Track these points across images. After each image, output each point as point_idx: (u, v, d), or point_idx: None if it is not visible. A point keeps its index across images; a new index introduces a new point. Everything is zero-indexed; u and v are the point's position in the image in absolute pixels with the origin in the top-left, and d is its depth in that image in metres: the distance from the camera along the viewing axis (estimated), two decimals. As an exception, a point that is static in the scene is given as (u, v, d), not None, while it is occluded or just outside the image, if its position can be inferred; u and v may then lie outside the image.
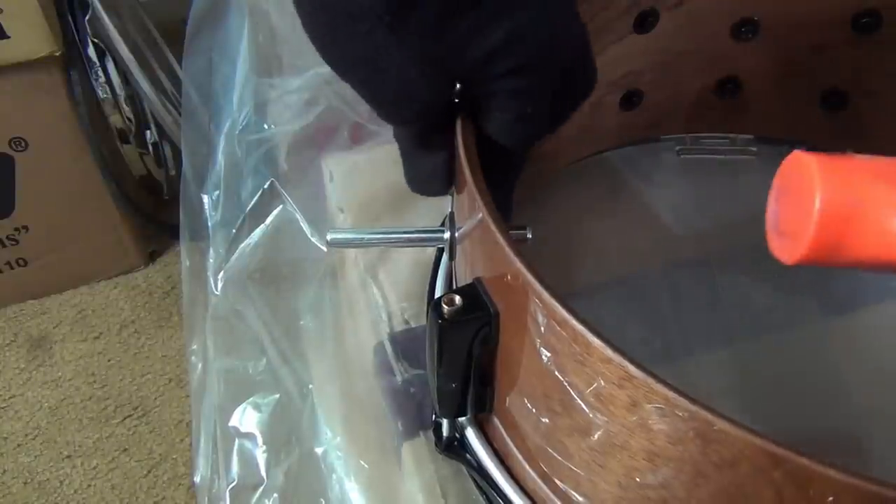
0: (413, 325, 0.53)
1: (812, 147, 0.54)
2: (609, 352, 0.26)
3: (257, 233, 0.68)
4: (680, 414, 0.24)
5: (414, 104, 0.35)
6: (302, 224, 0.65)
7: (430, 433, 0.45)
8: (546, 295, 0.28)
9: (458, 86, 0.37)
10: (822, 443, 0.43)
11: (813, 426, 0.44)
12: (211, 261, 0.69)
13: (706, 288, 0.51)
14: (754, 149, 0.60)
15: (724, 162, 0.59)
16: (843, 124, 0.57)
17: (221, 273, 0.68)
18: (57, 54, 1.04)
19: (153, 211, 1.31)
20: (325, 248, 0.63)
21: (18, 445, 1.11)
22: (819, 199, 0.30)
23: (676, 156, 0.60)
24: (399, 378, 0.51)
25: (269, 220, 0.68)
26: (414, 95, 0.35)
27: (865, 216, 0.30)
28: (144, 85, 1.14)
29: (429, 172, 0.40)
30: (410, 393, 0.50)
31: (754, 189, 0.58)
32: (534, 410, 0.33)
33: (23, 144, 1.12)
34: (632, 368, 0.25)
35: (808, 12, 0.53)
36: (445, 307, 0.33)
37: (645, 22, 0.52)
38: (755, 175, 0.59)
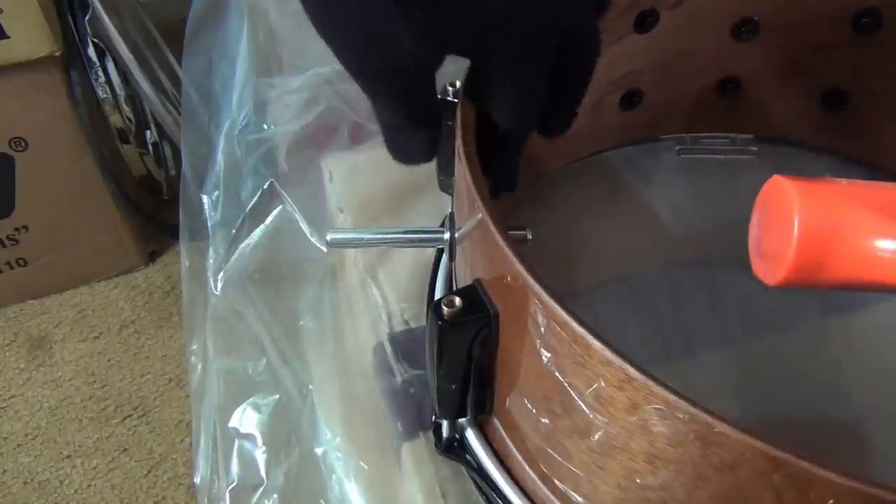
0: (413, 325, 0.53)
1: (812, 147, 0.55)
2: (609, 354, 0.25)
3: (257, 233, 0.68)
4: (680, 416, 0.24)
5: (403, 75, 0.35)
6: (301, 224, 0.65)
7: (430, 434, 0.45)
8: (546, 297, 0.28)
9: (453, 87, 0.38)
10: (822, 443, 0.43)
11: (813, 426, 0.44)
12: (210, 261, 0.69)
13: (706, 288, 0.51)
14: (754, 148, 0.60)
15: (724, 162, 0.59)
16: (843, 124, 0.57)
17: (221, 273, 0.68)
18: (57, 54, 1.04)
19: (153, 211, 1.31)
20: (324, 249, 0.63)
21: (18, 445, 1.11)
22: (798, 223, 0.31)
23: (676, 156, 0.60)
24: (399, 378, 0.51)
25: (268, 220, 0.67)
26: (404, 67, 0.35)
27: (844, 239, 0.31)
28: (144, 85, 1.14)
29: (413, 145, 0.40)
30: (410, 393, 0.50)
31: (754, 189, 0.58)
32: (534, 412, 0.33)
33: (23, 144, 1.12)
34: (632, 371, 0.25)
35: (809, 12, 0.53)
36: (445, 308, 0.33)
37: (645, 22, 0.52)
38: (755, 175, 0.58)
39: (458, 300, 0.33)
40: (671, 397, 0.24)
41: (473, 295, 0.34)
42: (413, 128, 0.39)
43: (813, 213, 0.32)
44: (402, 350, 0.52)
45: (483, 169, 0.36)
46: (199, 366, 0.68)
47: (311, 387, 0.61)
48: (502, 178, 0.42)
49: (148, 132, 1.24)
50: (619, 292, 0.51)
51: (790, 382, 0.46)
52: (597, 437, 0.29)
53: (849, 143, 0.58)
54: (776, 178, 0.33)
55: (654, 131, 0.60)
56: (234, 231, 0.68)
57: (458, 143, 0.36)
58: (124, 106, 1.19)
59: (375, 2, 0.32)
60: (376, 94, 0.37)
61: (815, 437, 0.43)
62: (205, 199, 0.72)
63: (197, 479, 0.64)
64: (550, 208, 0.56)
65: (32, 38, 1.01)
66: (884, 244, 0.31)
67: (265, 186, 0.68)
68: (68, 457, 1.10)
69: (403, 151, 0.41)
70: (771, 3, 0.53)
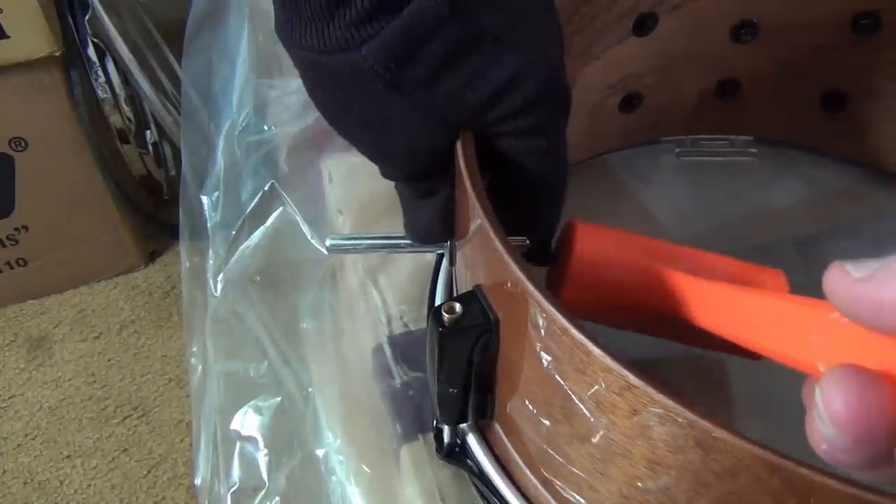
0: (412, 328, 0.53)
1: (812, 148, 0.56)
2: (609, 361, 0.26)
3: (257, 234, 0.68)
4: (680, 422, 0.24)
5: (421, 155, 0.36)
6: (302, 226, 0.65)
7: (430, 436, 0.45)
8: (546, 303, 0.28)
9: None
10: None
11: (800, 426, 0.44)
12: (210, 262, 0.69)
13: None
14: (754, 150, 0.60)
15: (723, 164, 0.59)
16: (842, 125, 0.57)
17: (221, 275, 0.68)
18: (57, 54, 1.04)
19: (153, 211, 1.31)
20: (325, 251, 0.63)
21: (18, 445, 1.11)
22: (574, 255, 0.38)
23: (676, 158, 0.60)
24: (398, 381, 0.51)
25: (269, 221, 0.67)
26: (419, 148, 0.35)
27: (614, 270, 0.38)
28: (144, 85, 1.14)
29: (429, 218, 0.40)
30: (409, 396, 0.50)
31: (754, 190, 0.58)
32: (535, 417, 0.33)
33: (23, 144, 1.12)
34: (632, 378, 0.25)
35: (808, 14, 0.53)
36: (445, 315, 0.33)
37: (644, 24, 0.52)
38: (755, 176, 0.59)
39: (458, 306, 0.33)
40: (671, 403, 0.24)
41: (474, 301, 0.34)
42: (430, 199, 0.39)
43: (587, 248, 0.38)
44: (401, 353, 0.52)
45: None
46: (199, 367, 0.68)
47: (310, 389, 0.61)
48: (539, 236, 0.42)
49: (148, 132, 1.24)
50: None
51: (790, 382, 0.46)
52: (598, 442, 0.29)
53: (848, 144, 0.58)
54: (568, 221, 0.40)
55: (654, 133, 0.60)
56: (234, 232, 0.68)
57: (458, 147, 0.36)
58: (124, 106, 1.19)
59: (376, 90, 0.32)
60: (398, 175, 0.38)
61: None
62: (204, 199, 0.72)
63: (198, 481, 0.64)
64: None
65: (32, 38, 1.01)
66: (648, 283, 0.37)
67: (266, 188, 0.68)
68: (68, 457, 1.10)
69: (421, 227, 0.41)
70: (770, 5, 0.53)
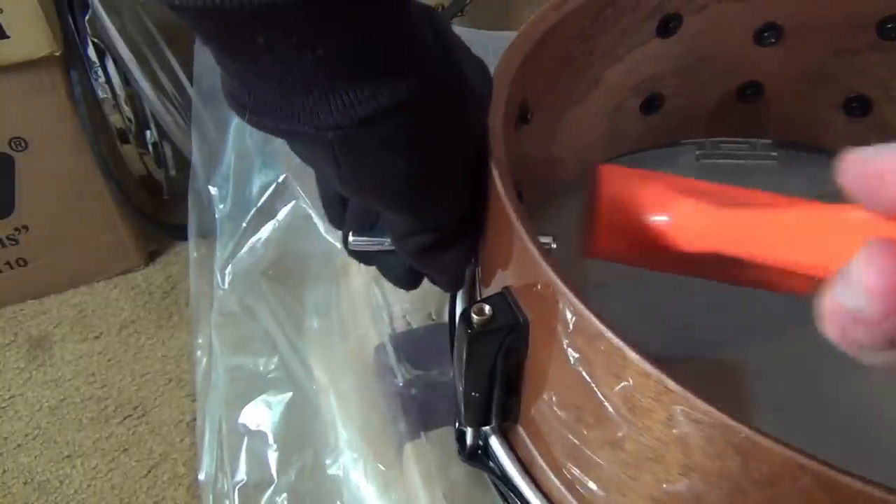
0: (414, 326, 0.53)
1: (834, 153, 0.56)
2: (647, 365, 0.26)
3: (268, 227, 0.67)
4: (719, 428, 0.24)
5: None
6: (315, 220, 0.65)
7: (433, 435, 0.46)
8: (581, 307, 0.28)
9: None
10: (833, 445, 0.43)
11: (815, 428, 0.44)
12: (218, 255, 0.68)
13: (715, 288, 0.51)
14: (775, 154, 0.60)
15: (743, 167, 0.59)
16: (866, 130, 0.57)
17: (229, 268, 0.67)
18: (57, 54, 1.03)
19: (153, 211, 1.30)
20: (339, 245, 0.63)
21: (18, 445, 1.11)
22: (602, 196, 0.38)
23: (696, 160, 0.60)
24: (400, 380, 0.51)
25: (281, 215, 0.67)
26: None
27: (643, 210, 0.37)
28: (144, 85, 1.14)
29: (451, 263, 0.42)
30: (412, 394, 0.50)
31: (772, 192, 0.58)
32: (562, 421, 0.33)
33: (23, 144, 1.11)
34: (670, 383, 0.25)
35: (832, 17, 0.53)
36: (475, 316, 0.33)
37: (667, 26, 0.52)
38: (775, 179, 0.59)
39: (487, 308, 0.34)
40: (711, 409, 0.24)
41: (503, 303, 0.34)
42: (448, 245, 0.40)
43: (615, 188, 0.38)
44: (403, 351, 0.52)
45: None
46: (204, 360, 0.68)
47: (315, 387, 0.61)
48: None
49: (148, 132, 1.23)
50: (628, 292, 0.51)
51: (799, 383, 0.46)
52: (630, 448, 0.29)
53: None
54: (597, 165, 0.39)
55: (675, 135, 0.60)
56: (244, 225, 0.68)
57: (492, 152, 0.36)
58: (124, 106, 1.19)
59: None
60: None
61: (824, 438, 0.43)
62: (213, 190, 0.71)
63: (202, 476, 0.64)
64: (571, 210, 0.56)
65: (32, 38, 1.01)
66: (675, 214, 0.37)
67: (279, 180, 0.67)
68: (68, 457, 1.09)
69: (444, 269, 0.42)
70: (794, 7, 0.53)
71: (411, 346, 0.53)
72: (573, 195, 0.57)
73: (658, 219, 0.37)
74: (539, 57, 0.44)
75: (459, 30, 0.73)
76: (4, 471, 1.08)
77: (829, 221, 0.28)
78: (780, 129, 0.59)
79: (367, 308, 0.57)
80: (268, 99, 0.31)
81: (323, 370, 0.62)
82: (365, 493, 0.53)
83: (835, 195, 0.57)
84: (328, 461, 0.57)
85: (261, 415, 0.61)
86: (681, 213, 0.37)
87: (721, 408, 0.24)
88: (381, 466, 0.52)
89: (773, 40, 0.54)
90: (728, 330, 0.49)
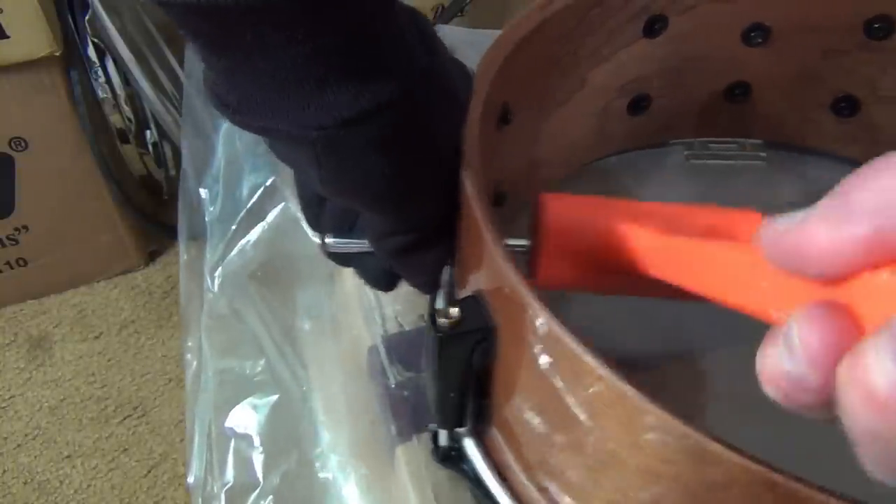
0: (407, 327, 0.53)
1: (823, 153, 0.56)
2: (602, 370, 0.26)
3: (257, 230, 0.67)
4: (672, 433, 0.24)
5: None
6: (303, 223, 0.65)
7: (425, 437, 0.45)
8: (541, 310, 0.28)
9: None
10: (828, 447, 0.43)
11: (814, 428, 0.44)
12: (208, 257, 0.68)
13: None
14: (764, 154, 0.59)
15: (732, 167, 0.59)
16: (854, 130, 0.57)
17: (219, 270, 0.67)
18: (57, 54, 1.04)
19: (153, 211, 1.30)
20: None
21: (18, 445, 1.11)
22: (545, 222, 0.39)
23: (685, 160, 0.59)
24: (392, 381, 0.51)
25: (270, 217, 0.67)
26: None
27: (588, 236, 0.38)
28: (144, 85, 1.14)
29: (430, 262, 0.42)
30: (404, 396, 0.50)
31: (762, 194, 0.58)
32: (532, 424, 0.33)
33: (23, 144, 1.11)
34: (625, 387, 0.25)
35: (820, 17, 0.52)
36: (443, 320, 0.33)
37: (653, 27, 0.52)
38: (764, 180, 0.58)
39: (455, 311, 0.33)
40: (663, 414, 0.24)
41: (473, 306, 0.34)
42: (427, 246, 0.40)
43: (557, 218, 0.39)
44: (395, 352, 0.52)
45: None
46: (195, 364, 0.68)
47: (306, 388, 0.61)
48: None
49: (148, 132, 1.23)
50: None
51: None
52: (592, 450, 0.29)
53: (861, 149, 0.57)
54: (538, 195, 0.40)
55: (663, 136, 0.59)
56: (233, 228, 0.68)
57: (464, 149, 0.36)
58: (124, 106, 1.19)
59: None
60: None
61: (817, 440, 0.43)
62: (203, 192, 0.71)
63: (191, 479, 0.64)
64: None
65: (32, 38, 1.01)
66: (616, 241, 0.37)
67: (267, 183, 0.67)
68: (68, 457, 1.10)
69: (423, 270, 0.42)
70: (782, 8, 0.53)
71: (404, 348, 0.52)
72: (560, 192, 0.56)
73: (600, 246, 0.38)
74: (522, 58, 0.44)
75: (459, 30, 0.73)
76: (4, 471, 1.08)
77: (761, 267, 0.28)
78: (769, 129, 0.59)
79: (360, 309, 0.57)
80: (252, 97, 0.31)
81: (315, 372, 0.62)
82: (353, 496, 0.53)
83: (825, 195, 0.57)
84: (316, 464, 0.57)
85: (248, 418, 0.61)
86: (621, 240, 0.37)
87: (674, 412, 0.24)
88: (370, 469, 0.52)
89: (760, 40, 0.54)
90: (718, 327, 0.49)
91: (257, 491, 0.58)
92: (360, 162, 0.33)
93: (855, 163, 0.58)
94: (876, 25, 0.52)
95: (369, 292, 0.56)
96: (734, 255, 0.31)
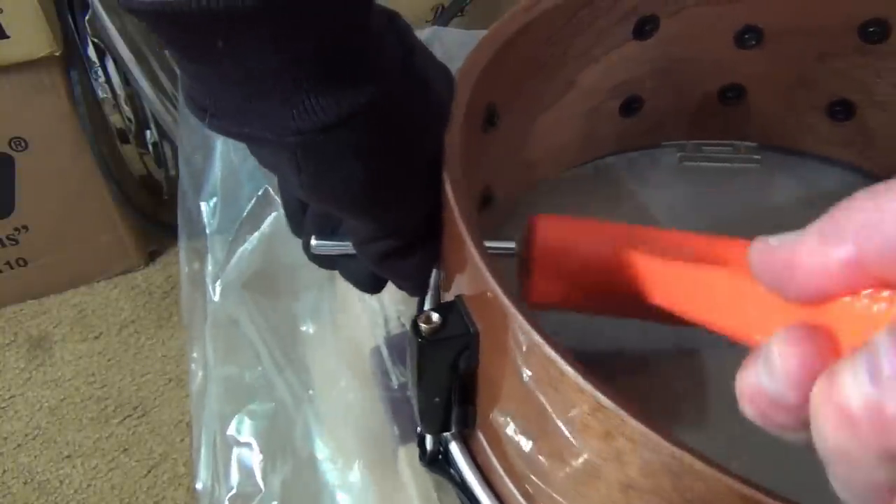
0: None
1: (817, 156, 0.56)
2: (581, 381, 0.25)
3: (254, 239, 0.67)
4: (651, 447, 0.24)
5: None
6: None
7: (422, 441, 0.45)
8: (521, 318, 0.27)
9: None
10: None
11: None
12: (209, 268, 0.68)
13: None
14: (757, 157, 0.59)
15: (726, 170, 0.59)
16: (849, 134, 0.56)
17: (219, 280, 0.67)
18: (57, 54, 1.04)
19: (153, 211, 1.30)
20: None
21: (18, 445, 1.11)
22: (536, 242, 0.39)
23: (678, 162, 0.59)
24: (395, 383, 0.51)
25: (264, 226, 0.67)
26: None
27: (577, 257, 0.39)
28: (144, 85, 1.14)
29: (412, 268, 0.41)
30: (407, 397, 0.50)
31: (756, 196, 0.57)
32: (516, 432, 0.33)
33: (23, 144, 1.11)
34: (603, 399, 0.24)
35: (814, 20, 0.52)
36: (423, 325, 0.33)
37: (643, 29, 0.51)
38: (757, 182, 0.58)
39: (436, 317, 0.33)
40: (642, 428, 0.24)
41: (454, 311, 0.34)
42: (410, 250, 0.40)
43: (549, 239, 0.39)
44: (398, 354, 0.52)
45: None
46: (200, 373, 0.68)
47: (310, 392, 0.61)
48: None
49: (148, 132, 1.23)
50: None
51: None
52: (574, 462, 0.28)
53: (855, 153, 0.57)
54: (529, 217, 0.40)
55: (656, 138, 0.59)
56: (231, 237, 0.68)
57: (446, 154, 0.36)
58: (124, 106, 1.19)
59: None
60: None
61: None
62: (203, 206, 0.72)
63: (199, 486, 0.64)
64: (548, 211, 0.55)
65: (32, 38, 1.01)
66: (608, 264, 0.37)
67: (260, 193, 0.67)
68: (68, 457, 1.10)
69: (406, 274, 0.42)
70: (775, 10, 0.52)
71: (406, 349, 0.52)
72: (551, 197, 0.56)
73: (591, 269, 0.38)
74: (508, 59, 0.43)
75: (456, 32, 0.73)
76: (4, 471, 1.08)
77: (747, 293, 0.27)
78: (764, 132, 0.58)
79: (362, 311, 0.57)
80: (229, 103, 0.31)
81: (317, 374, 0.62)
82: (356, 498, 0.52)
83: (819, 199, 0.57)
84: (319, 467, 0.57)
85: (247, 425, 0.61)
86: (612, 263, 0.37)
87: (654, 426, 0.23)
88: (373, 470, 0.52)
89: (753, 43, 0.53)
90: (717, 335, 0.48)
91: (259, 497, 0.58)
92: (339, 166, 0.33)
93: (849, 167, 0.58)
94: (871, 29, 0.51)
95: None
96: (722, 280, 0.31)
